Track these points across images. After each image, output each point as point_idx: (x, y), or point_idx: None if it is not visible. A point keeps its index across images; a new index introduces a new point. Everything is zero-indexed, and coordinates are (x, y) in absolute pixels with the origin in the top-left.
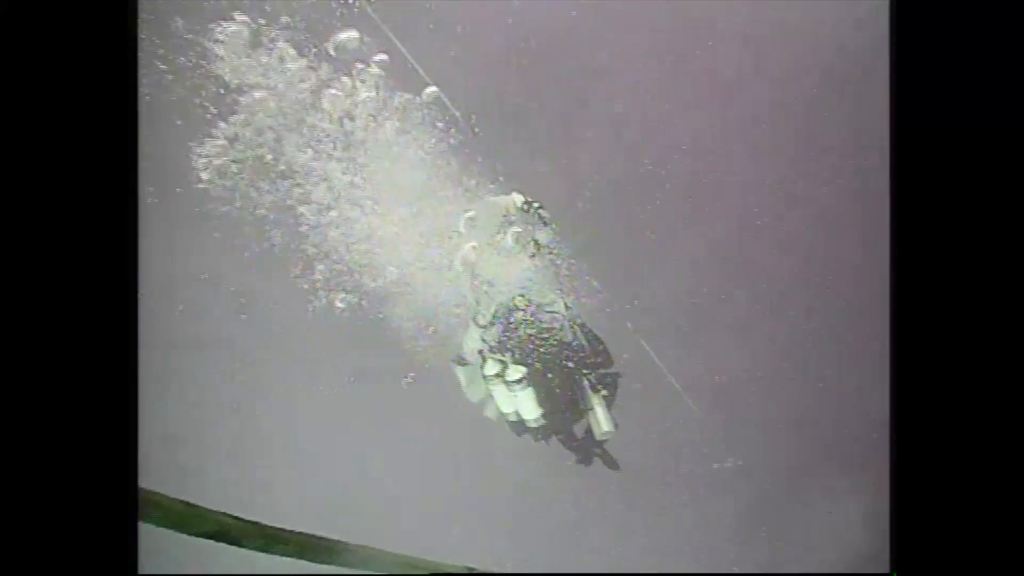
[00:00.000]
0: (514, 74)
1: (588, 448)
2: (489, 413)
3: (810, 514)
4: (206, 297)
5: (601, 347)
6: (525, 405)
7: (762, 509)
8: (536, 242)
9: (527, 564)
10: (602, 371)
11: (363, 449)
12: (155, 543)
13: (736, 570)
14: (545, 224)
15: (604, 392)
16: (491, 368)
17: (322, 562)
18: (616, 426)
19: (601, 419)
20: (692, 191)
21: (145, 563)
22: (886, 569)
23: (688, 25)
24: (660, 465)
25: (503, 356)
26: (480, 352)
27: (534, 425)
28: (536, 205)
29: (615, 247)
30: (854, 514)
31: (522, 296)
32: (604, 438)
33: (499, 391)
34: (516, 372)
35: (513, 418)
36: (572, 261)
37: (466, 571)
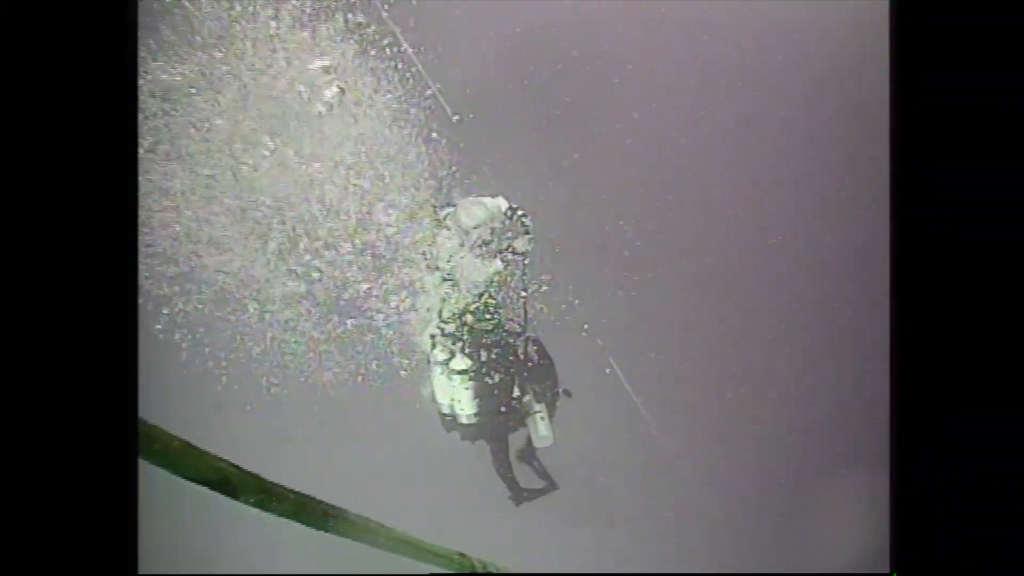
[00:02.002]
0: (505, 71)
1: (527, 459)
2: (426, 392)
3: (811, 515)
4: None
5: (549, 367)
6: (462, 399)
7: (762, 511)
8: (512, 248)
9: (523, 557)
10: (545, 385)
11: (361, 436)
12: (153, 541)
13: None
14: (527, 232)
15: (546, 402)
16: (439, 354)
17: (317, 527)
18: (553, 435)
19: (540, 426)
20: (685, 194)
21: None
22: (886, 569)
23: (690, 26)
24: (655, 471)
25: (453, 345)
26: (432, 337)
27: (465, 422)
28: (520, 212)
29: (596, 253)
30: (854, 515)
31: (491, 298)
32: (541, 445)
33: (440, 379)
34: (462, 363)
35: (446, 410)
36: (548, 275)
37: (457, 556)
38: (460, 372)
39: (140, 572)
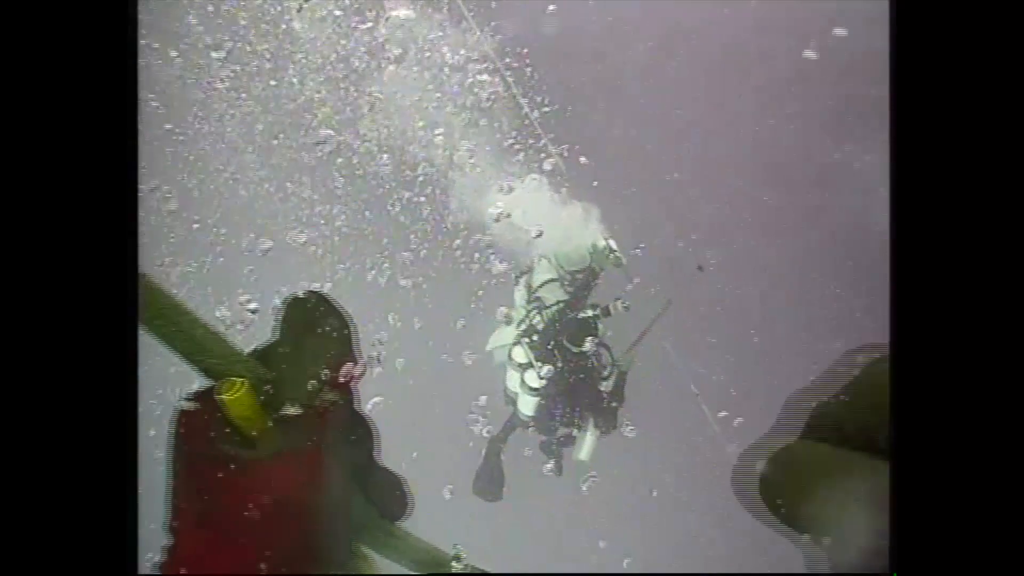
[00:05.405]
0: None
1: (494, 450)
2: (498, 357)
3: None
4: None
5: (618, 405)
6: (526, 404)
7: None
8: (608, 309)
9: (534, 560)
10: (602, 417)
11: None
12: (154, 541)
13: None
14: (619, 266)
15: (602, 431)
16: (518, 355)
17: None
18: (592, 460)
19: (586, 446)
20: (695, 194)
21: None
22: (886, 570)
23: (695, 24)
24: (672, 468)
25: (534, 356)
26: (519, 335)
27: (523, 417)
28: (616, 253)
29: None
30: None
31: (596, 318)
32: (579, 462)
33: (513, 376)
34: (535, 380)
35: (511, 394)
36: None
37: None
38: (533, 389)
39: (140, 572)
